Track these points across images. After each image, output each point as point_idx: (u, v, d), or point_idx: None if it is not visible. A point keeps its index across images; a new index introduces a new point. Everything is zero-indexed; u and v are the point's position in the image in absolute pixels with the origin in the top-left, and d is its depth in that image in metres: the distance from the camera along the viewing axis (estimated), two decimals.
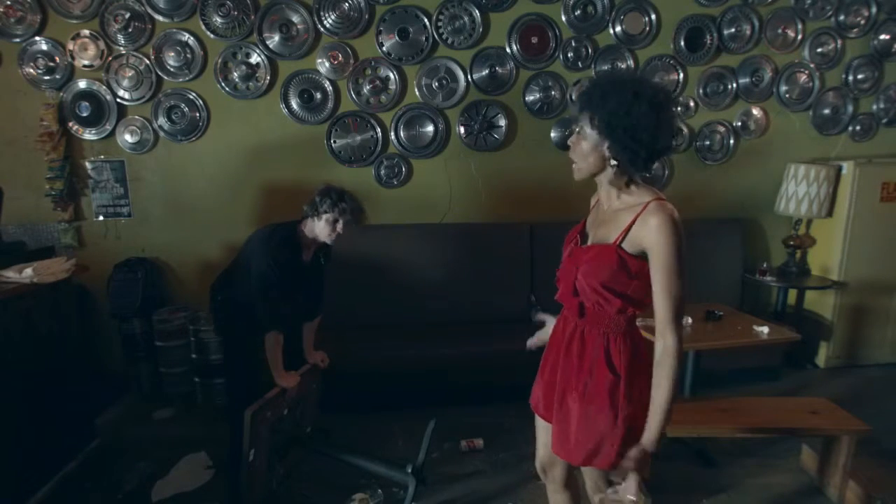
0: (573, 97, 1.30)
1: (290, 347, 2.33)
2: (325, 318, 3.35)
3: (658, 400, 1.34)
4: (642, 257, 1.34)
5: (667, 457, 2.60)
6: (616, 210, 1.41)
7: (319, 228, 2.23)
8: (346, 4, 3.32)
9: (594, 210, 1.56)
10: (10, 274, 2.24)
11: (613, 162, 1.34)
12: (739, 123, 3.81)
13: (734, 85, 3.74)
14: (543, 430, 1.67)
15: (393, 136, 3.51)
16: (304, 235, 2.29)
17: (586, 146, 1.35)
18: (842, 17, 3.75)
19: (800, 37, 3.74)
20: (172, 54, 3.25)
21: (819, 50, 3.78)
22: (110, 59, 3.23)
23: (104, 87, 3.25)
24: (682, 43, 3.63)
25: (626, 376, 1.41)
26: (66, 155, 3.26)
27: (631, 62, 3.62)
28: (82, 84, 3.24)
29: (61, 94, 3.23)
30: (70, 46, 3.18)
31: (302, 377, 2.33)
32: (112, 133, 3.31)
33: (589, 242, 1.47)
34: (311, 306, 2.50)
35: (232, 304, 2.28)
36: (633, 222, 1.34)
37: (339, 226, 2.22)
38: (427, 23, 3.39)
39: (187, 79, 3.30)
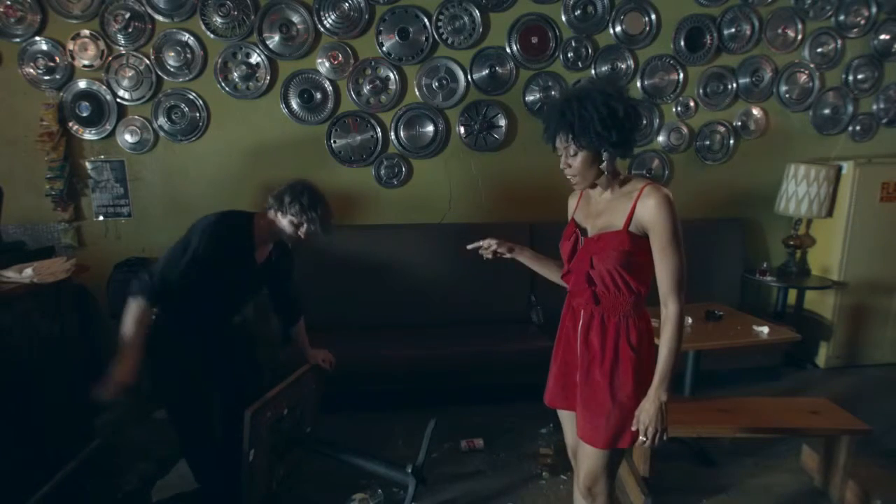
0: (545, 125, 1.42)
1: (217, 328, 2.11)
2: (324, 319, 3.36)
3: (662, 357, 1.48)
4: (646, 237, 1.47)
5: (667, 457, 2.60)
6: (612, 199, 1.53)
7: (281, 224, 2.01)
8: (346, 4, 3.32)
9: (580, 206, 1.67)
10: (10, 274, 2.23)
11: (604, 164, 1.48)
12: (739, 123, 3.81)
13: (734, 85, 3.74)
14: (567, 419, 1.75)
15: (393, 136, 3.51)
16: (261, 229, 2.04)
17: (581, 164, 1.48)
18: (842, 17, 3.75)
19: (800, 37, 3.74)
20: (172, 54, 3.25)
21: (819, 50, 3.78)
22: (110, 59, 3.23)
23: (104, 87, 3.25)
24: (682, 43, 3.63)
25: (643, 352, 1.53)
26: (66, 155, 3.26)
27: (631, 62, 3.62)
28: (82, 84, 3.24)
29: (61, 94, 3.23)
30: (70, 46, 3.18)
31: (301, 378, 2.32)
32: (112, 133, 3.31)
33: (590, 234, 1.56)
34: (292, 308, 2.35)
35: (170, 329, 1.99)
36: (635, 206, 1.46)
37: (302, 231, 2.00)
38: (427, 23, 3.39)
39: (187, 79, 3.30)
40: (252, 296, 2.22)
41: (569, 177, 1.53)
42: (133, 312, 1.87)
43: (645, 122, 3.67)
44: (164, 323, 1.99)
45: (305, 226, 1.99)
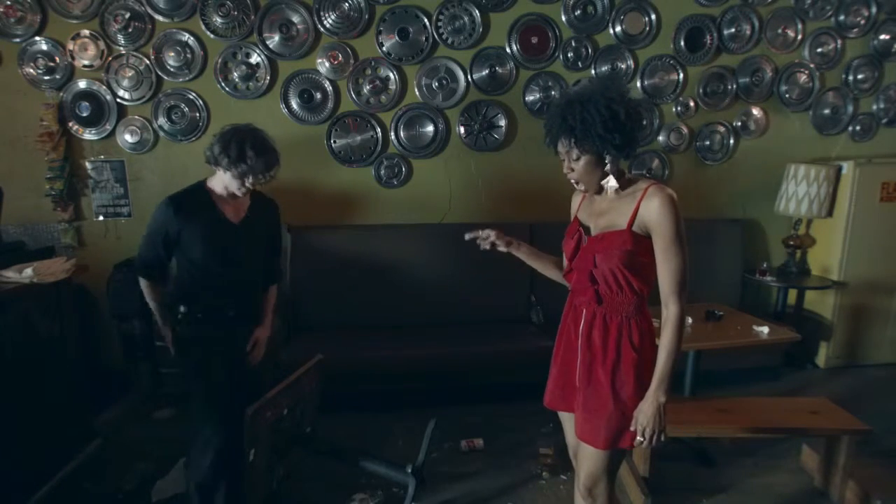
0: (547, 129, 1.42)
1: (241, 315, 2.12)
2: (324, 319, 3.38)
3: (661, 358, 1.47)
4: (649, 237, 1.46)
5: (667, 457, 2.60)
6: (615, 199, 1.52)
7: (226, 181, 1.97)
8: (346, 4, 3.32)
9: (584, 205, 1.65)
10: (10, 274, 2.23)
11: (608, 166, 1.48)
12: (739, 123, 3.81)
13: (734, 85, 3.74)
14: (568, 419, 1.75)
15: (393, 136, 3.51)
16: (214, 187, 2.04)
17: (584, 168, 1.48)
18: (842, 17, 3.75)
19: (800, 37, 3.74)
20: (172, 54, 3.25)
21: (819, 50, 3.78)
22: (110, 59, 3.23)
23: (104, 87, 3.25)
24: (682, 43, 3.63)
25: (645, 352, 1.53)
26: (66, 155, 3.26)
27: (631, 62, 3.62)
28: (82, 84, 3.24)
29: (61, 94, 3.23)
30: (70, 46, 3.18)
31: (301, 378, 2.32)
32: (112, 133, 3.31)
33: (593, 233, 1.55)
34: (264, 273, 2.24)
35: (194, 316, 2.05)
36: (638, 205, 1.45)
37: (249, 181, 1.95)
38: (427, 23, 3.39)
39: (187, 79, 3.30)
40: (247, 257, 2.10)
41: (573, 181, 1.53)
42: (143, 289, 2.08)
43: (646, 121, 3.66)
44: (191, 318, 2.05)
45: (251, 177, 1.94)
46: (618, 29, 3.56)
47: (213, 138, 1.98)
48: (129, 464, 2.62)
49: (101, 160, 3.34)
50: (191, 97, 3.32)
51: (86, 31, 3.19)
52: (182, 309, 2.05)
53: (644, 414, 1.47)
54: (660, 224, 1.42)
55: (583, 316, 1.59)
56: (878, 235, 3.64)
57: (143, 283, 2.07)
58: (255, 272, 2.18)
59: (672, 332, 1.46)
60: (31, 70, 3.19)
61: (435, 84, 3.48)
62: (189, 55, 3.27)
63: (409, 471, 2.23)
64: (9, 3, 3.09)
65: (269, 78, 3.34)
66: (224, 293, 2.06)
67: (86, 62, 3.22)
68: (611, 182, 1.51)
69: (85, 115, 3.25)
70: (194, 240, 1.97)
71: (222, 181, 1.99)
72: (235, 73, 3.32)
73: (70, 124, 3.26)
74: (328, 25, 3.33)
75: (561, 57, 3.55)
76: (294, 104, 3.41)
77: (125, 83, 3.26)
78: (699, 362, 2.76)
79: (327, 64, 3.38)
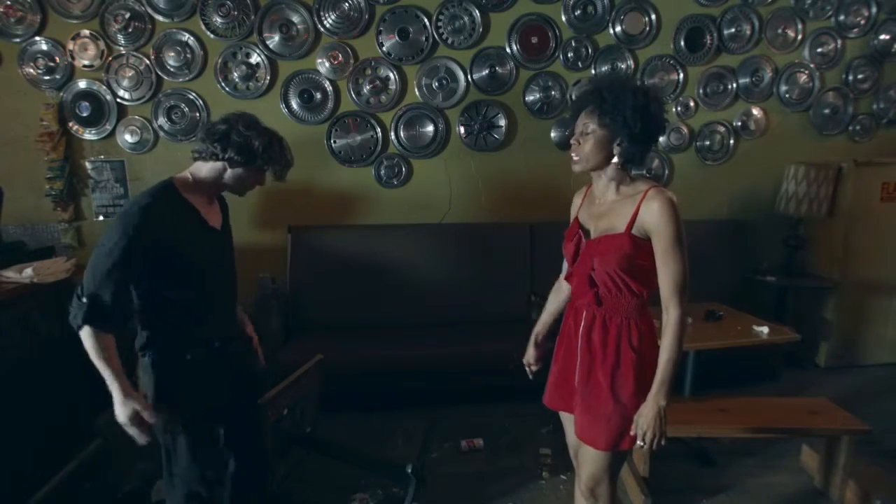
0: (573, 97, 1.36)
1: (228, 342, 1.75)
2: (325, 319, 3.37)
3: (661, 362, 1.46)
4: (649, 240, 1.44)
5: (667, 457, 2.60)
6: (615, 201, 1.51)
7: (235, 177, 1.61)
8: (346, 4, 3.32)
9: (584, 206, 1.64)
10: (10, 274, 2.24)
11: (616, 159, 1.46)
12: (739, 123, 3.81)
13: (734, 85, 3.74)
14: (568, 419, 1.75)
15: (393, 136, 3.51)
16: (195, 189, 1.62)
17: (594, 144, 1.47)
18: (842, 17, 3.75)
19: (800, 37, 3.74)
20: (172, 54, 3.25)
21: (819, 50, 3.78)
22: (110, 59, 3.23)
23: (104, 87, 3.25)
24: (682, 43, 3.63)
25: (645, 353, 1.52)
26: (66, 155, 3.27)
27: (631, 62, 3.62)
28: (82, 84, 3.24)
29: (61, 94, 3.23)
30: (70, 46, 3.19)
31: (301, 378, 2.32)
32: (112, 133, 3.31)
33: (592, 236, 1.55)
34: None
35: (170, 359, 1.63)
36: (638, 209, 1.44)
37: (274, 179, 1.69)
38: (427, 23, 3.39)
39: (187, 79, 3.30)
40: (234, 269, 1.81)
41: (573, 155, 1.51)
42: (95, 346, 1.51)
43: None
44: (174, 361, 1.63)
45: (279, 173, 1.69)
46: (618, 29, 3.56)
47: (220, 130, 1.58)
48: (129, 464, 2.62)
49: (101, 160, 3.34)
50: (191, 97, 3.32)
51: (86, 31, 3.19)
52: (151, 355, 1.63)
53: (644, 417, 1.46)
54: (659, 228, 1.41)
55: (583, 317, 1.59)
56: (877, 235, 3.63)
57: (95, 337, 1.50)
58: (236, 285, 1.84)
59: (672, 336, 1.45)
60: (31, 70, 3.19)
61: (435, 84, 3.48)
62: (189, 55, 3.27)
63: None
64: (9, 3, 3.10)
65: (269, 78, 3.34)
66: (212, 318, 1.69)
67: (86, 62, 3.22)
68: (604, 176, 1.51)
69: (85, 115, 3.25)
70: (182, 257, 1.56)
71: (220, 178, 1.61)
72: (235, 73, 3.32)
73: (70, 124, 3.26)
74: (328, 25, 3.33)
75: (561, 57, 3.55)
76: (294, 104, 3.41)
77: (125, 83, 3.26)
78: (699, 362, 2.76)
79: (327, 64, 3.38)
